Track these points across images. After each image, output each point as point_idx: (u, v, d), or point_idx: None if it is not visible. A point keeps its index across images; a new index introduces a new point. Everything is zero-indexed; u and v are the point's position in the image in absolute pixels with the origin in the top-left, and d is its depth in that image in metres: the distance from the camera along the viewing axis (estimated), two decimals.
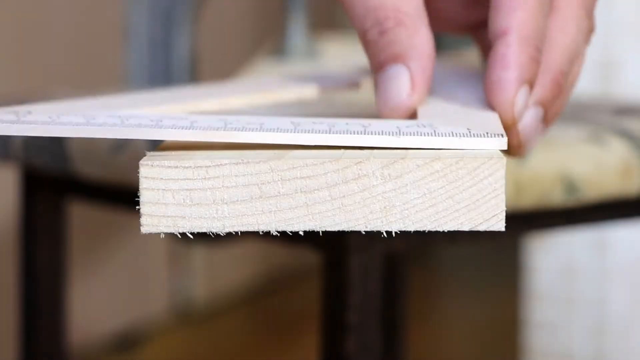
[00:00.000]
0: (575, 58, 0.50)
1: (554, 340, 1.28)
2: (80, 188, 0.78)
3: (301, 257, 1.98)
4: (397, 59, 0.46)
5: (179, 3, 1.55)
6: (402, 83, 0.46)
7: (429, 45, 0.47)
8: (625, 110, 0.78)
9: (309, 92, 0.49)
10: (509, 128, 0.46)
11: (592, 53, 1.20)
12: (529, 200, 0.64)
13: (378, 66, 0.47)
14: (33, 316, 0.81)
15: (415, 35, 0.46)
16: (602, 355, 1.27)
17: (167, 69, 1.73)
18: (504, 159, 0.38)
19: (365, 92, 0.53)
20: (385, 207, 0.38)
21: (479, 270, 2.19)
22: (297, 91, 0.48)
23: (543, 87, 0.48)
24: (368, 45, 0.47)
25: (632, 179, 0.67)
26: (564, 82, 0.49)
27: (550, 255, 1.27)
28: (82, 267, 1.54)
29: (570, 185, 0.65)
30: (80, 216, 1.36)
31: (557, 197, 0.65)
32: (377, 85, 0.46)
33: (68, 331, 0.84)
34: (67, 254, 0.83)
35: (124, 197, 0.74)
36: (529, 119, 0.48)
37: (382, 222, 0.38)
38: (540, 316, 1.29)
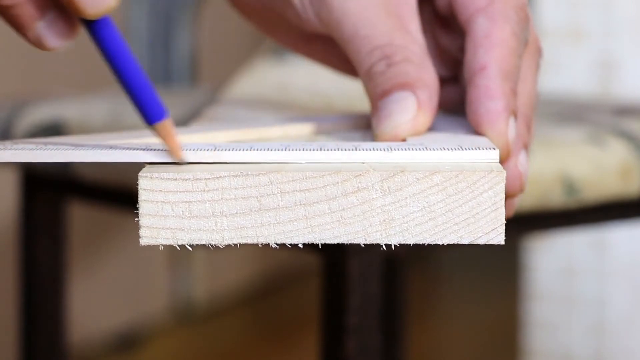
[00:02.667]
0: (535, 106, 0.50)
1: (554, 340, 1.28)
2: (80, 189, 0.78)
3: (301, 257, 1.98)
4: (404, 86, 0.45)
5: (179, 3, 1.55)
6: (408, 105, 0.45)
7: (436, 80, 0.46)
8: (625, 111, 0.77)
9: (301, 129, 0.48)
10: (505, 162, 0.46)
11: (592, 53, 1.20)
12: (529, 201, 0.64)
13: (382, 93, 0.46)
14: (33, 316, 0.81)
15: (423, 70, 0.46)
16: (602, 355, 1.27)
17: (167, 69, 1.73)
18: (503, 172, 0.38)
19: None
20: (384, 220, 0.38)
21: (478, 270, 2.19)
22: (287, 128, 0.48)
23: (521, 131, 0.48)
24: (373, 77, 0.46)
25: (632, 179, 0.67)
26: (532, 128, 0.49)
27: (550, 255, 1.27)
28: (82, 267, 1.54)
29: (570, 186, 0.65)
30: (80, 216, 1.36)
31: (557, 198, 0.65)
32: (379, 110, 0.45)
33: (68, 331, 0.84)
34: (67, 254, 0.83)
35: (124, 197, 0.74)
36: (522, 157, 0.47)
37: (381, 235, 0.38)
38: (540, 316, 1.28)
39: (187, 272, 1.81)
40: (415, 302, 1.69)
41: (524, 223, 0.67)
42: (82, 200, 0.79)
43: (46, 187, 0.80)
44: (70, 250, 0.86)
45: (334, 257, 0.58)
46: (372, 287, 0.58)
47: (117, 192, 0.75)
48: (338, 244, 0.57)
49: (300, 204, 0.38)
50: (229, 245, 0.38)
